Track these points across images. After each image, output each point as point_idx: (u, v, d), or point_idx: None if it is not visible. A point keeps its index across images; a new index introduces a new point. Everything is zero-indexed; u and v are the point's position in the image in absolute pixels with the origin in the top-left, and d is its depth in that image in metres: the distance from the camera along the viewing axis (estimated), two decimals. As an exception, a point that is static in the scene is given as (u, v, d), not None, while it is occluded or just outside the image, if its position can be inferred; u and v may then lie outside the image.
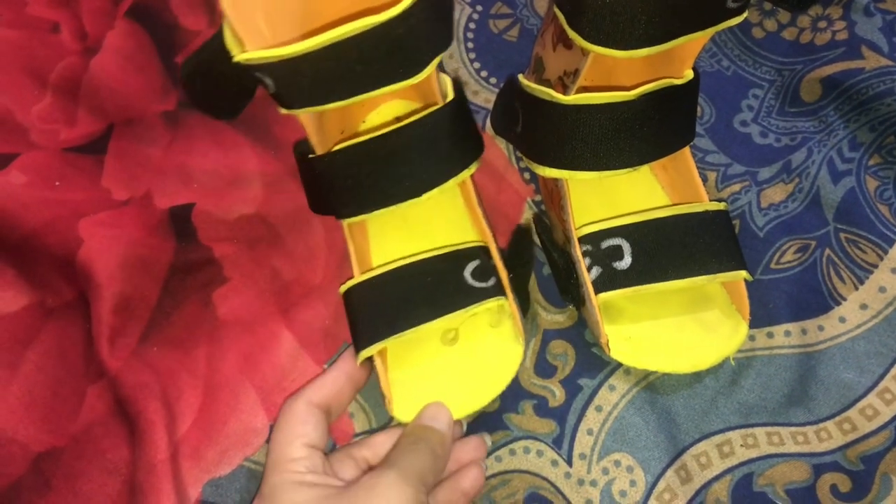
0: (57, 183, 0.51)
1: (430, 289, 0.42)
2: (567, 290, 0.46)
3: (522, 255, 0.47)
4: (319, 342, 0.47)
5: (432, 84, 0.41)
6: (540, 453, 0.45)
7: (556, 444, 0.45)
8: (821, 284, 0.47)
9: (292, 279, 0.48)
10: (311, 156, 0.41)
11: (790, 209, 0.49)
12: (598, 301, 0.43)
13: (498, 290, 0.43)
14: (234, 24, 0.32)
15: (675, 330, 0.45)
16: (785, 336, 0.46)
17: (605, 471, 0.44)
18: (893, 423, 0.44)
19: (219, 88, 0.38)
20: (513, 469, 0.45)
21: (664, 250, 0.43)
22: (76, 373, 0.46)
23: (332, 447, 0.45)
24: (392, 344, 0.41)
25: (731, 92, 0.53)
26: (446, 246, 0.44)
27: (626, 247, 0.43)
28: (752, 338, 0.46)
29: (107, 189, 0.51)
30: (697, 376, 0.46)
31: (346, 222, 0.43)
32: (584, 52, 0.38)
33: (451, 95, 0.41)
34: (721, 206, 0.45)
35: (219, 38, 0.34)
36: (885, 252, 0.47)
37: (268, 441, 0.44)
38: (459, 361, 0.44)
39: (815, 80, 0.52)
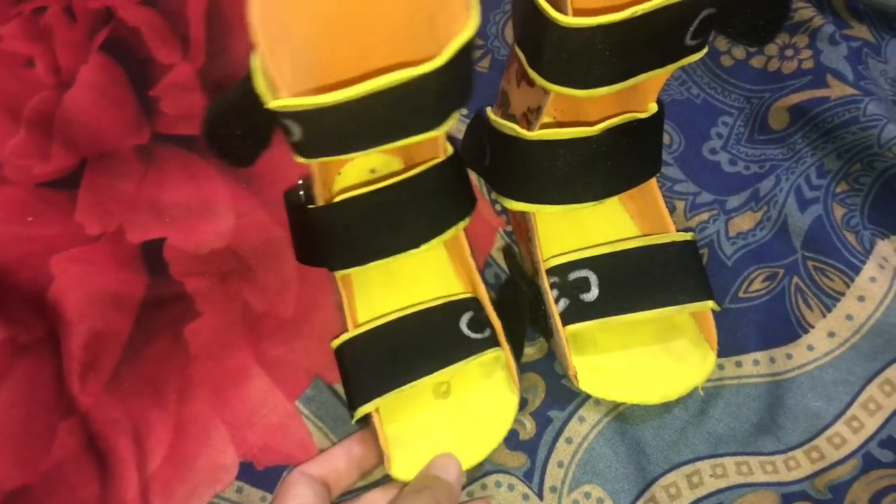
0: (30, 218, 0.51)
1: (427, 341, 0.42)
2: (536, 322, 0.46)
3: (516, 306, 0.46)
4: (291, 377, 0.47)
5: (438, 139, 0.40)
6: (511, 487, 0.45)
7: (527, 477, 0.45)
8: (789, 313, 0.47)
9: (264, 312, 0.48)
10: (311, 206, 0.41)
11: (758, 237, 0.49)
12: (566, 333, 0.43)
13: (493, 342, 0.43)
14: (270, 67, 0.32)
15: (643, 360, 0.45)
16: (753, 365, 0.47)
17: (576, 503, 0.44)
18: (860, 451, 0.44)
19: (241, 136, 0.37)
20: None
21: (631, 281, 0.44)
22: (47, 409, 0.46)
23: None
24: (384, 400, 0.41)
25: (701, 120, 0.54)
26: (434, 298, 0.44)
27: (594, 278, 0.44)
28: (720, 367, 0.47)
29: (80, 224, 0.51)
30: (667, 406, 0.46)
31: (337, 275, 0.43)
32: (546, 91, 0.39)
33: (450, 150, 0.42)
34: (688, 236, 0.45)
35: (246, 83, 0.33)
36: (852, 280, 0.47)
37: (237, 478, 0.45)
38: (454, 415, 0.44)
39: (782, 109, 0.52)
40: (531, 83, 0.41)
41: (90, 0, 0.57)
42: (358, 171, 0.50)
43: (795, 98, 0.52)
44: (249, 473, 0.45)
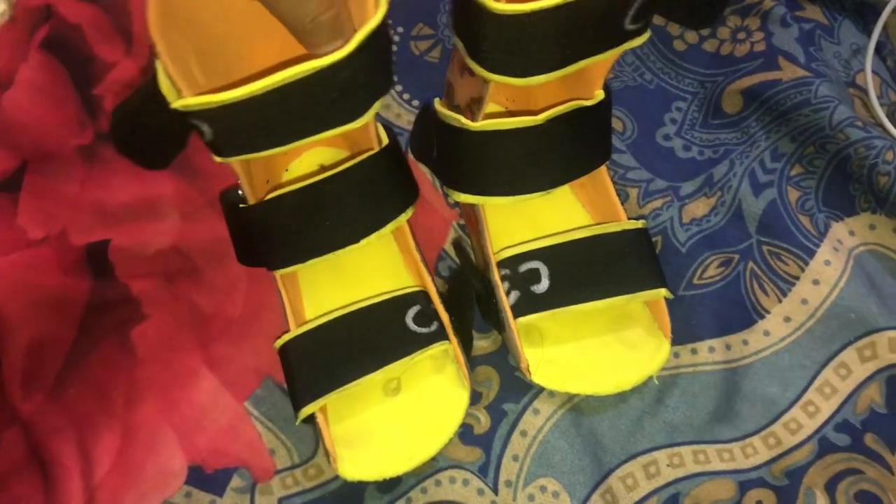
0: (-31, 223, 0.50)
1: (372, 338, 0.41)
2: (489, 315, 0.45)
3: (463, 298, 0.46)
4: (240, 378, 0.46)
5: (369, 130, 0.40)
6: (466, 482, 0.44)
7: (482, 471, 0.44)
8: (744, 298, 0.47)
9: (212, 313, 0.47)
10: (242, 206, 0.40)
11: (713, 223, 0.49)
12: (518, 325, 0.43)
13: (441, 335, 0.42)
14: (170, 68, 0.31)
15: (597, 351, 0.45)
16: (709, 352, 0.46)
17: (531, 497, 0.44)
18: (817, 436, 0.44)
19: (151, 137, 0.36)
20: (439, 500, 0.44)
21: (582, 272, 0.43)
22: (-10, 419, 0.45)
23: (252, 487, 0.44)
24: (332, 398, 0.40)
25: (655, 105, 0.53)
26: (383, 293, 0.43)
27: (544, 270, 0.43)
28: (676, 355, 0.46)
29: (22, 228, 0.50)
30: (622, 397, 0.45)
31: (278, 273, 0.42)
32: (486, 80, 0.38)
33: (385, 140, 0.41)
34: (639, 223, 0.44)
35: (151, 84, 0.32)
36: (807, 263, 0.47)
37: (186, 482, 0.44)
38: (404, 411, 0.43)
39: (735, 92, 0.52)
40: (472, 73, 0.40)
41: (29, -3, 0.56)
42: (307, 167, 0.49)
43: (748, 81, 0.52)
44: (199, 477, 0.44)
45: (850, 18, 0.54)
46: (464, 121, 0.41)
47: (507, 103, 0.50)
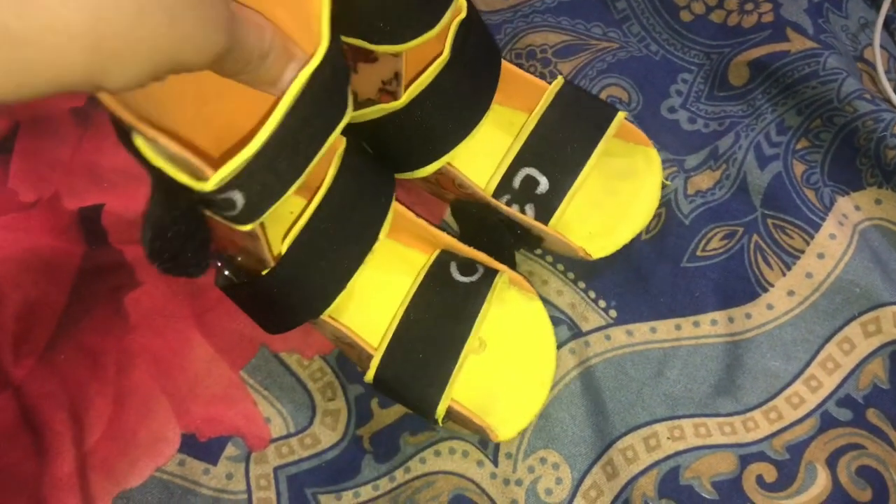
0: (-41, 185, 0.49)
1: (441, 314, 0.42)
2: (519, 241, 0.46)
3: (488, 228, 0.46)
4: (235, 346, 0.45)
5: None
6: (465, 454, 0.44)
7: (482, 444, 0.44)
8: (748, 271, 0.46)
9: (207, 282, 0.47)
10: (267, 272, 0.38)
11: (717, 196, 0.48)
12: (552, 229, 0.44)
13: (491, 271, 0.43)
14: (172, 147, 0.28)
15: (612, 199, 0.47)
16: (711, 325, 0.46)
17: (531, 469, 0.43)
18: (818, 410, 0.43)
19: (186, 245, 0.35)
20: (437, 470, 0.43)
21: (560, 148, 0.45)
22: (-20, 384, 0.44)
23: (247, 455, 0.43)
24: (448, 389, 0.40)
25: (660, 77, 0.52)
26: (412, 283, 0.43)
27: (532, 171, 0.44)
28: (678, 327, 0.46)
29: (13, 191, 0.49)
30: (622, 367, 0.45)
31: (326, 316, 0.41)
32: (396, 54, 0.37)
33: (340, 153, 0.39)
34: (559, 80, 0.46)
35: (158, 195, 0.31)
36: (812, 237, 0.46)
37: (180, 451, 0.43)
38: (502, 354, 0.44)
39: (742, 64, 0.51)
40: (371, 60, 0.39)
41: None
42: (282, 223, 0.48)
43: (755, 53, 0.51)
44: (192, 445, 0.43)
45: (858, -9, 0.53)
46: (390, 105, 0.41)
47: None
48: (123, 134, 0.30)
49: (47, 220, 0.48)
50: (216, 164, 0.28)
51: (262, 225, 0.36)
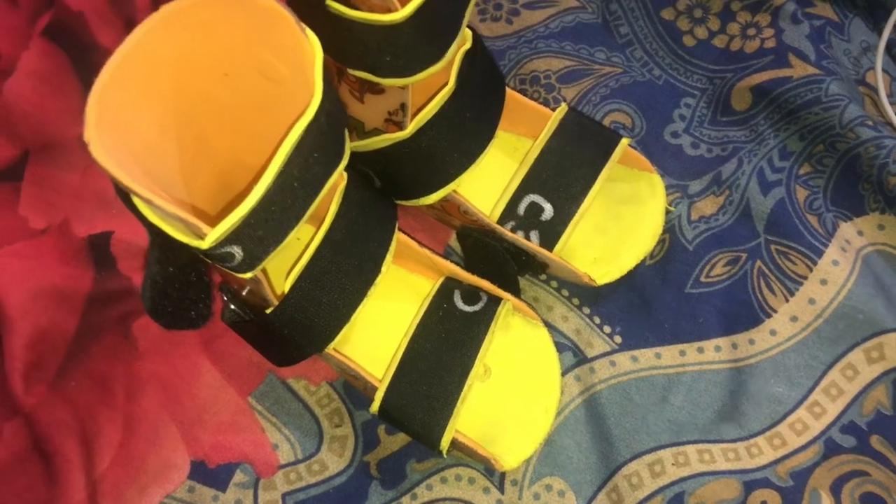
0: (-30, 212, 0.49)
1: (445, 344, 0.42)
2: (524, 267, 0.46)
3: (493, 256, 0.46)
4: (243, 373, 0.46)
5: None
6: (472, 481, 0.44)
7: (488, 471, 0.44)
8: (751, 297, 0.47)
9: (215, 308, 0.47)
10: (271, 311, 0.38)
11: (721, 222, 0.49)
12: (559, 254, 0.44)
13: (495, 299, 0.43)
14: (174, 210, 0.29)
15: (616, 224, 0.47)
16: (715, 351, 0.46)
17: (537, 496, 0.43)
18: (822, 437, 0.44)
19: (186, 298, 0.36)
20: (444, 497, 0.44)
21: (562, 175, 0.45)
22: (-8, 410, 0.45)
23: (255, 482, 0.43)
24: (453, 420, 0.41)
25: (663, 101, 0.53)
26: (420, 307, 0.44)
27: (537, 197, 0.45)
28: (682, 353, 0.46)
29: (23, 217, 0.49)
30: (626, 393, 0.45)
31: (330, 348, 0.41)
32: (403, 86, 0.38)
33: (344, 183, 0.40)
34: (562, 107, 0.47)
35: (157, 252, 0.31)
36: (815, 263, 0.47)
37: (189, 477, 0.43)
38: (506, 382, 0.44)
39: (745, 89, 0.51)
40: (378, 91, 0.39)
41: (31, -17, 0.55)
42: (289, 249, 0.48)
43: (758, 78, 0.51)
44: (201, 472, 0.44)
45: (860, 16, 0.54)
46: (396, 135, 0.41)
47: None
48: (122, 193, 0.31)
49: (57, 247, 0.48)
50: (213, 221, 0.29)
51: (263, 270, 0.36)
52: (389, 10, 0.33)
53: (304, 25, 0.30)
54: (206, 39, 0.33)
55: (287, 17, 0.30)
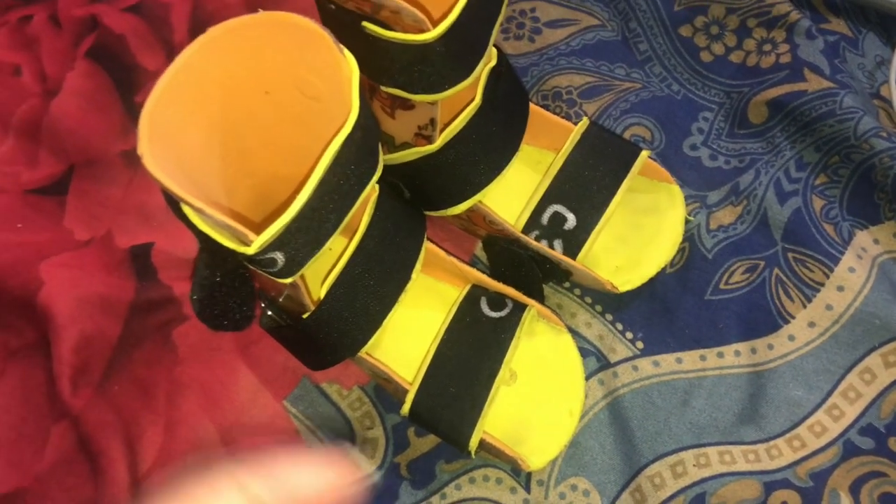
0: (19, 225, 0.52)
1: (472, 349, 0.44)
2: (549, 275, 0.48)
3: (518, 263, 0.48)
4: (279, 377, 0.48)
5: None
6: (499, 481, 0.46)
7: (515, 471, 0.46)
8: (769, 304, 0.48)
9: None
10: (308, 316, 0.40)
11: (739, 231, 0.50)
12: (583, 263, 0.46)
13: (520, 306, 0.45)
14: (217, 215, 0.31)
15: (637, 233, 0.49)
16: (735, 356, 0.47)
17: (563, 496, 0.45)
18: (841, 439, 0.45)
19: (232, 301, 0.38)
20: (472, 497, 0.45)
21: (585, 186, 0.47)
22: (40, 412, 0.47)
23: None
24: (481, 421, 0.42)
25: (682, 115, 0.54)
26: (448, 313, 0.45)
27: (560, 207, 0.47)
28: (702, 358, 0.47)
29: (69, 230, 0.52)
30: (649, 397, 0.46)
31: (363, 352, 0.43)
32: (432, 102, 0.40)
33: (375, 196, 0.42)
34: (584, 121, 0.48)
35: (205, 257, 0.33)
36: (832, 270, 0.48)
37: (228, 476, 0.45)
38: (532, 385, 0.45)
39: (761, 103, 0.53)
40: (408, 107, 0.41)
41: (75, 8, 0.58)
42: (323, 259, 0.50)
43: (774, 92, 0.53)
44: (239, 472, 0.45)
45: (874, 31, 0.55)
46: (425, 148, 0.43)
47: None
48: (173, 203, 0.33)
49: (101, 258, 0.51)
50: (260, 229, 0.31)
51: (301, 276, 0.38)
52: (422, 31, 0.35)
53: (341, 45, 0.32)
54: (249, 59, 0.35)
55: (326, 37, 0.32)
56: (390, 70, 0.38)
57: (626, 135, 0.53)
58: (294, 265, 0.34)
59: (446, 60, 0.37)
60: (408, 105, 0.41)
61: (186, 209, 0.33)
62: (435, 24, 0.35)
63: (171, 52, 0.57)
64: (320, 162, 0.31)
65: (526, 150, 0.51)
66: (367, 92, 0.42)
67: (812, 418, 0.45)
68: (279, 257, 0.33)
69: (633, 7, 0.57)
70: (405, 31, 0.35)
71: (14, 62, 0.57)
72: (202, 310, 0.38)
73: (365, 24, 0.36)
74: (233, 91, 0.36)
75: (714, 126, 0.54)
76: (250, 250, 0.31)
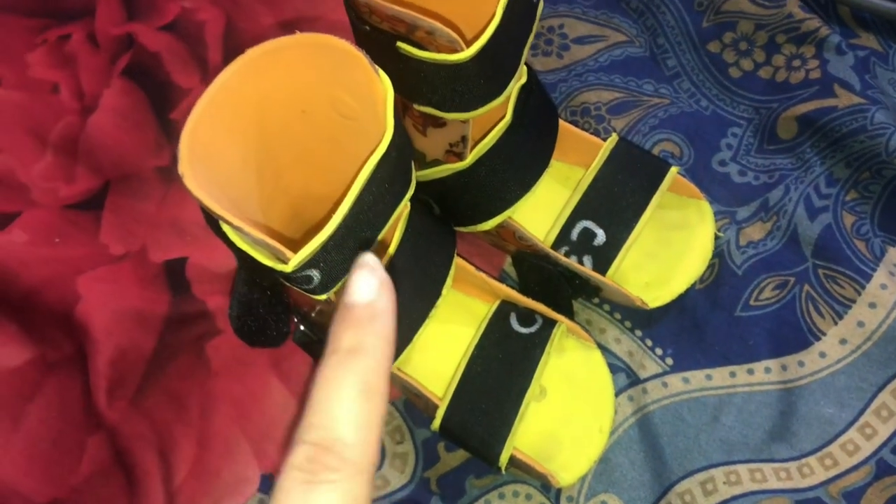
0: (57, 240, 0.53)
1: (502, 365, 0.44)
2: (578, 291, 0.48)
3: (548, 279, 0.48)
4: (310, 390, 0.48)
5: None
6: (529, 497, 0.46)
7: (545, 487, 0.46)
8: (800, 320, 0.48)
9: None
10: None
11: (769, 247, 0.50)
12: (612, 279, 0.46)
13: (550, 322, 0.45)
14: (260, 237, 0.31)
15: (665, 249, 0.48)
16: (765, 373, 0.47)
17: (592, 511, 0.45)
18: (874, 457, 0.44)
19: (268, 315, 0.39)
20: (501, 511, 0.45)
21: (615, 201, 0.47)
22: (76, 425, 0.48)
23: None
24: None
25: (710, 131, 0.54)
26: (478, 329, 0.46)
27: (590, 223, 0.47)
28: (732, 374, 0.47)
29: (104, 244, 0.53)
30: (678, 413, 0.46)
31: (394, 368, 0.44)
32: (464, 120, 0.40)
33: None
34: (613, 137, 0.49)
35: (244, 274, 0.34)
36: (863, 287, 0.48)
37: (259, 490, 0.46)
38: (562, 401, 0.45)
39: (790, 118, 0.53)
40: (440, 124, 0.42)
41: (112, 27, 0.59)
42: None
43: (803, 108, 0.53)
44: (271, 486, 0.46)
45: (904, 46, 0.55)
46: (456, 165, 0.44)
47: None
48: (212, 220, 0.33)
49: (136, 272, 0.52)
50: (295, 246, 0.31)
51: (335, 292, 0.39)
52: (455, 51, 0.35)
53: (376, 66, 0.33)
54: (285, 80, 0.36)
55: (361, 58, 0.33)
56: (424, 89, 0.38)
57: (655, 150, 0.54)
58: (330, 282, 0.34)
59: (479, 79, 0.37)
60: (439, 123, 0.42)
61: (226, 227, 0.34)
62: (468, 44, 0.36)
63: (205, 70, 0.58)
64: (356, 181, 0.32)
65: (555, 167, 0.51)
66: (400, 110, 0.43)
67: (844, 436, 0.45)
68: (315, 275, 0.33)
69: (661, 23, 0.58)
70: (439, 51, 0.36)
71: (52, 80, 0.58)
72: (240, 326, 0.38)
73: (399, 44, 0.36)
74: (269, 111, 0.37)
75: (743, 142, 0.54)
76: (287, 268, 0.31)
